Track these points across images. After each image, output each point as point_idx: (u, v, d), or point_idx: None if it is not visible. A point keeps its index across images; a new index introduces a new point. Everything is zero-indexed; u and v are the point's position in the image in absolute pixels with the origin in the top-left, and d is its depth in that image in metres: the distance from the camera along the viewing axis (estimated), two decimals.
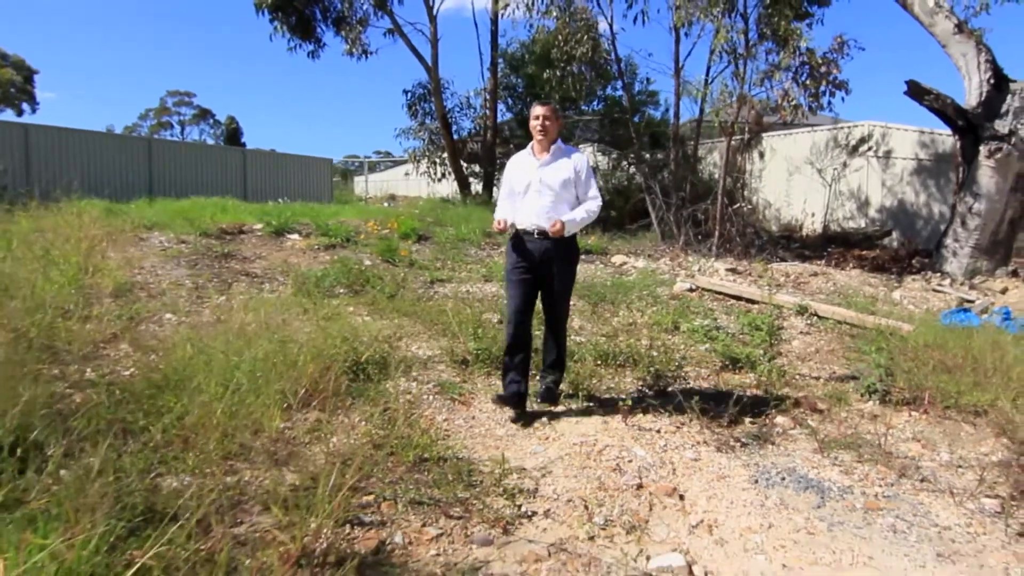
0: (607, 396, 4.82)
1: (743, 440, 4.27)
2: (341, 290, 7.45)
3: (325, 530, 2.71)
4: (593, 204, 4.32)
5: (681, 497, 3.48)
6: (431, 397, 4.53)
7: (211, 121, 61.26)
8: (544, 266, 4.24)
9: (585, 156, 4.49)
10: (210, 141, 55.84)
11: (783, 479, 3.75)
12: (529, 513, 3.15)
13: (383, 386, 4.54)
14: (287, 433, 3.80)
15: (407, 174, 21.65)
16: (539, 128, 4.30)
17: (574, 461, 3.76)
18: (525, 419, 4.27)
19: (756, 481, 3.71)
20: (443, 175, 19.04)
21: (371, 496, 3.15)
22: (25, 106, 46.86)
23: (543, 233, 4.21)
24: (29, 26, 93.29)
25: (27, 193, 13.31)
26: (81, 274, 6.76)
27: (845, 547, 3.07)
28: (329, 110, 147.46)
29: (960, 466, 4.05)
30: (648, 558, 2.86)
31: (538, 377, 4.63)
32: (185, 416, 3.59)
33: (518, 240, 4.32)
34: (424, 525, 2.98)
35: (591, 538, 2.99)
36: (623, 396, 4.75)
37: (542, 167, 4.31)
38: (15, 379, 3.68)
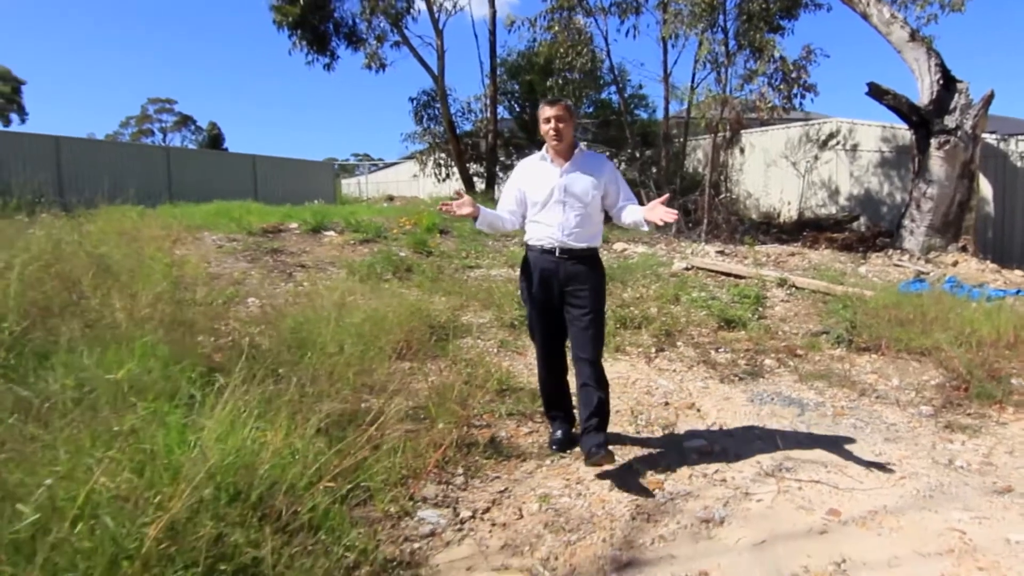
0: (630, 348, 5.89)
1: (740, 375, 5.36)
2: (389, 275, 8.47)
3: (452, 430, 3.76)
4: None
5: (698, 410, 4.56)
6: (495, 350, 5.59)
7: (192, 127, 60.04)
8: (568, 289, 3.56)
9: (610, 161, 3.83)
10: (192, 147, 54.78)
11: (772, 399, 4.85)
12: None
13: (456, 343, 5.59)
14: (394, 376, 4.83)
15: (415, 176, 22.60)
16: (552, 132, 3.55)
17: (616, 386, 4.82)
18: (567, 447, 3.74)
19: (752, 400, 4.80)
20: (447, 175, 20.06)
21: (475, 410, 4.20)
22: (14, 116, 46.09)
23: (567, 252, 3.54)
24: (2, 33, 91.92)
25: (62, 202, 14.19)
26: (173, 267, 7.75)
27: (819, 437, 4.16)
28: (307, 115, 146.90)
29: (906, 388, 5.16)
30: (681, 441, 3.94)
31: (579, 431, 3.62)
32: (315, 365, 4.61)
33: (536, 260, 3.64)
34: (518, 427, 4.05)
35: (638, 432, 4.07)
36: (642, 347, 5.86)
37: (565, 175, 3.58)
38: (187, 339, 4.72)
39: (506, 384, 4.66)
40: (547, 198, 3.59)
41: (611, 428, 4.09)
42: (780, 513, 3.15)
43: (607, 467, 3.45)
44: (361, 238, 11.29)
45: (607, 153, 16.47)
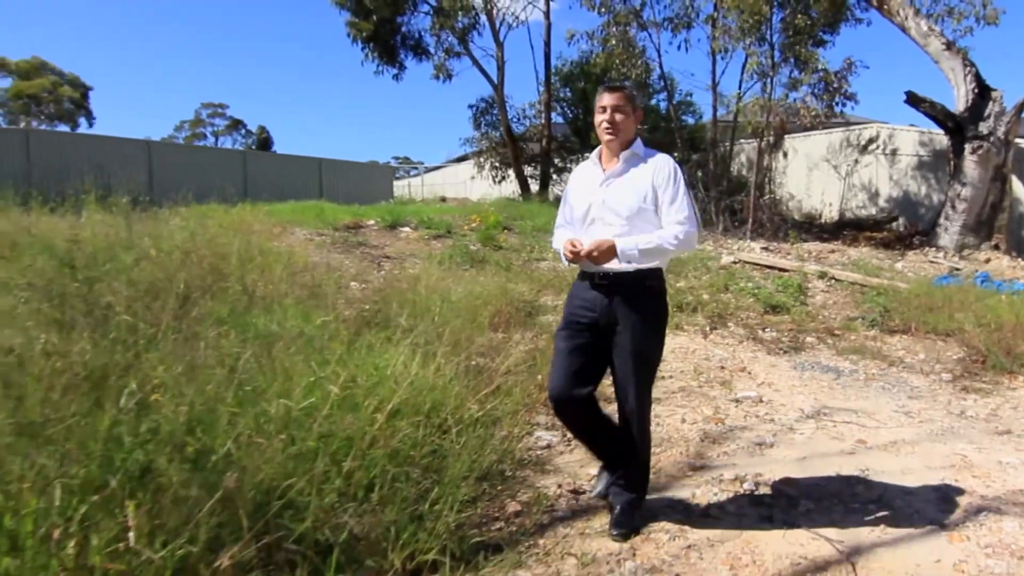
0: (687, 326, 6.67)
1: (784, 349, 6.11)
2: (466, 266, 9.38)
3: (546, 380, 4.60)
4: (678, 230, 2.66)
5: (749, 373, 5.34)
6: None
7: (243, 131, 60.24)
8: (610, 326, 2.74)
9: (671, 162, 2.79)
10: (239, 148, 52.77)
11: (812, 366, 5.59)
12: (662, 375, 5.05)
13: (538, 319, 6.45)
14: (492, 342, 5.70)
15: (472, 177, 23.62)
16: (607, 125, 2.74)
17: (678, 354, 5.65)
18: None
19: (795, 367, 5.56)
20: (503, 178, 21.00)
21: None
22: (82, 120, 46.31)
23: (609, 277, 2.73)
24: (66, 38, 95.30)
25: (156, 201, 15.52)
26: (285, 257, 8.79)
27: (852, 394, 4.91)
28: (347, 118, 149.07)
29: (930, 361, 5.84)
30: (735, 393, 4.74)
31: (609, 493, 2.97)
32: (431, 332, 5.50)
33: (575, 289, 2.91)
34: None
35: (700, 386, 4.87)
36: (698, 326, 6.64)
37: (607, 183, 2.78)
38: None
39: None
40: (584, 214, 2.82)
41: (680, 382, 4.93)
42: (817, 441, 3.93)
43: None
44: (434, 234, 12.24)
45: None
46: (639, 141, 2.81)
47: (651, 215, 2.72)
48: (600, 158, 2.86)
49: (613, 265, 2.67)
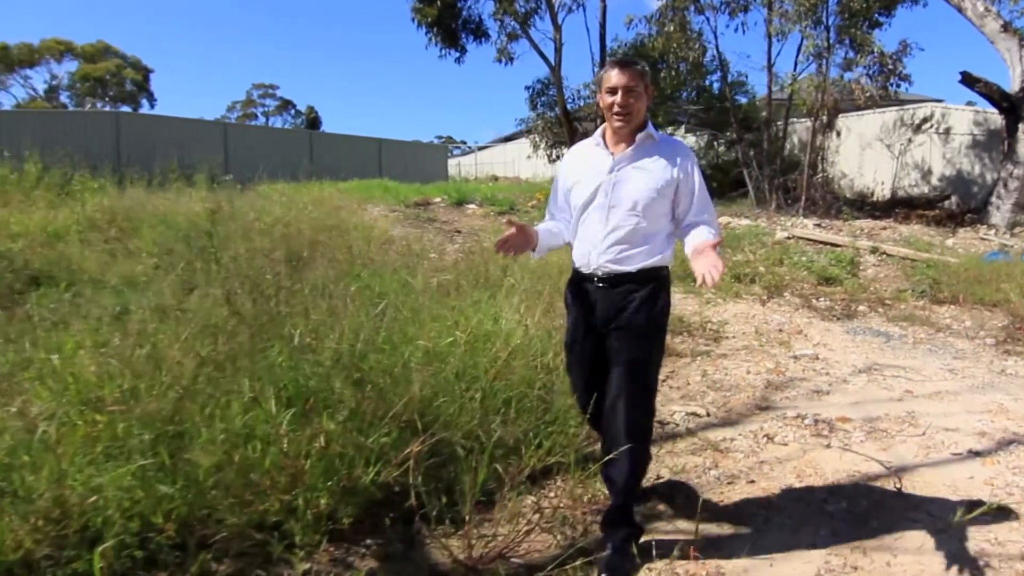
0: (746, 296, 7.14)
1: (837, 316, 6.54)
2: None
3: None
4: (713, 231, 2.44)
5: (805, 336, 5.81)
6: None
7: (292, 111, 59.64)
8: (611, 329, 2.47)
9: (691, 154, 2.53)
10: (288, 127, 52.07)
11: (864, 331, 6.03)
12: (726, 335, 5.57)
13: None
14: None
15: (528, 157, 24.18)
16: (619, 110, 2.39)
17: (739, 319, 6.14)
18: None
19: (848, 332, 6.00)
20: (558, 156, 21.46)
21: None
22: (144, 102, 46.83)
23: (610, 278, 2.45)
24: (126, 19, 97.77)
25: (234, 179, 16.47)
26: (375, 231, 9.49)
27: (901, 354, 5.35)
28: (395, 98, 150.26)
29: (976, 328, 6.21)
30: (794, 351, 5.23)
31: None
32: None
33: (574, 288, 2.66)
34: (673, 338, 5.42)
35: (761, 345, 5.37)
36: (756, 295, 7.10)
37: (620, 167, 2.46)
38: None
39: None
40: (589, 200, 2.49)
41: (742, 341, 5.45)
42: (869, 391, 4.41)
43: None
44: (499, 210, 12.82)
45: (706, 136, 17.38)
46: (649, 121, 2.50)
47: (665, 205, 2.46)
48: (605, 140, 2.52)
49: (614, 264, 2.43)
